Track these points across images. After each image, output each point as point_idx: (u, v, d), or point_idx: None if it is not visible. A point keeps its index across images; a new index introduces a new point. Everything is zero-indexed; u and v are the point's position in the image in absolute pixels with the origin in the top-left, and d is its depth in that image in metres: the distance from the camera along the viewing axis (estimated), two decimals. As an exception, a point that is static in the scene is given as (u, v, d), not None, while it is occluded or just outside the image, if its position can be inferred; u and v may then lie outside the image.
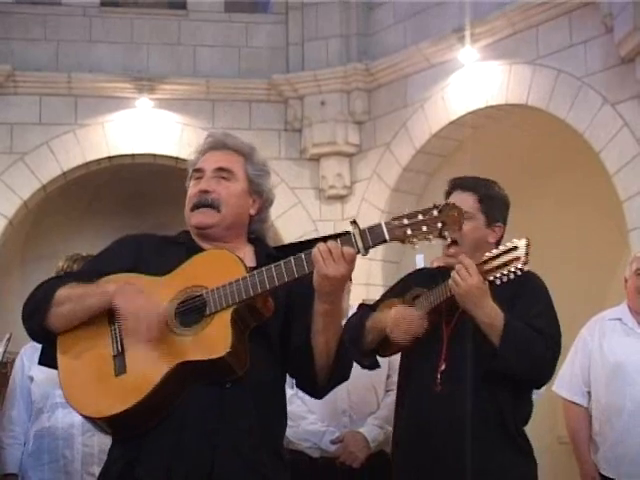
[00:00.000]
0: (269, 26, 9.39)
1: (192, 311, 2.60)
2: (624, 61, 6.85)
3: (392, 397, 4.42)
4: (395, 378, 4.47)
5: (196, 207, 2.80)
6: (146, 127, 8.97)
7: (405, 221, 2.52)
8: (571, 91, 7.28)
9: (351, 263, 2.53)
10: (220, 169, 2.83)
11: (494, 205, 3.60)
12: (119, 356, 2.59)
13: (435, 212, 2.53)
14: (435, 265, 3.95)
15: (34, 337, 2.79)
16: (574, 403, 4.69)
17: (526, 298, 3.45)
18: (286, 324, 2.72)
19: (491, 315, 3.33)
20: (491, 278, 3.29)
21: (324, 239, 2.58)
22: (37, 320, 2.68)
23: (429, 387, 3.46)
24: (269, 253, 2.81)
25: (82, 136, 8.90)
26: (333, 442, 4.19)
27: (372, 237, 2.53)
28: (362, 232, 2.54)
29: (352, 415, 4.30)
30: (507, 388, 3.43)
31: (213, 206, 2.78)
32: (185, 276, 2.66)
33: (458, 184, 3.64)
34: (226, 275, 2.60)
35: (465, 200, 3.50)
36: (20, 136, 8.80)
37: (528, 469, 3.52)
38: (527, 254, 3.24)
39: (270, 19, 9.48)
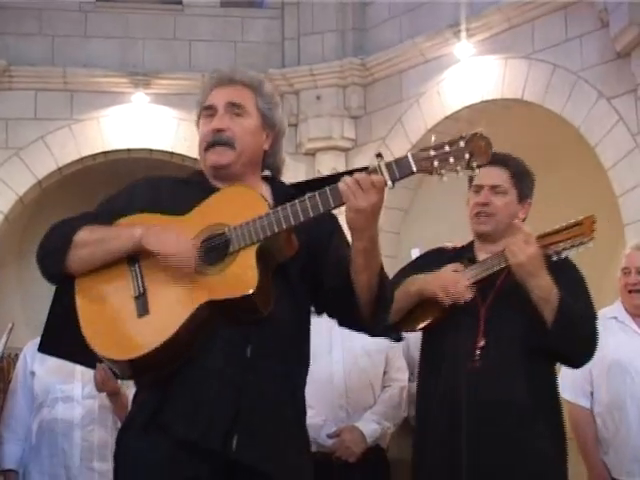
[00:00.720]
0: (265, 21, 9.38)
1: (215, 249, 2.52)
2: (620, 56, 6.86)
3: (389, 393, 4.43)
4: (391, 374, 4.48)
5: (211, 146, 2.73)
6: (142, 122, 8.96)
7: (432, 152, 2.44)
8: (567, 86, 7.29)
9: (381, 191, 2.45)
10: (232, 104, 2.75)
11: (525, 180, 3.56)
12: (141, 297, 2.52)
13: (462, 143, 2.45)
14: (451, 246, 3.84)
15: (49, 278, 2.73)
16: (578, 405, 4.66)
17: (564, 278, 3.36)
18: (309, 265, 2.65)
19: (547, 289, 3.26)
20: (550, 252, 3.24)
21: (347, 173, 2.52)
22: (55, 262, 2.62)
23: (466, 364, 3.36)
24: (286, 192, 2.72)
25: (78, 131, 8.89)
26: (330, 436, 4.19)
27: (399, 169, 2.45)
28: (388, 164, 2.45)
29: (349, 410, 4.31)
30: (547, 368, 3.41)
31: (228, 144, 2.70)
32: (206, 214, 2.59)
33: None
34: (248, 212, 2.52)
35: (499, 175, 3.50)
36: (15, 131, 8.78)
37: (562, 461, 3.47)
38: (593, 230, 3.19)
39: (266, 14, 9.47)
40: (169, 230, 2.55)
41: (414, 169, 2.44)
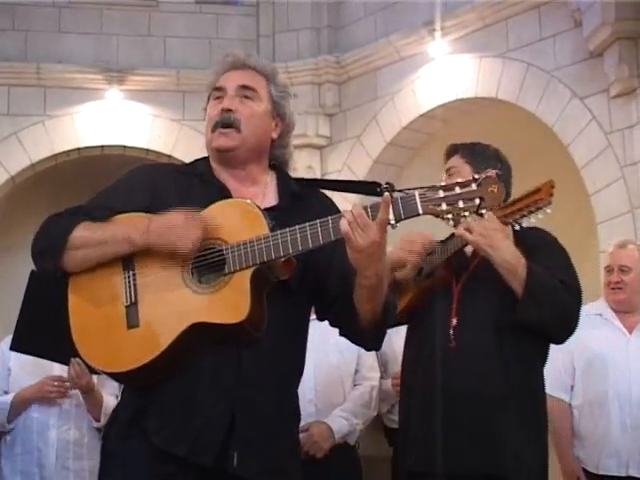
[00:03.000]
0: (240, 18, 9.37)
1: (210, 266, 2.47)
2: (593, 55, 6.90)
3: (360, 391, 4.45)
4: (363, 372, 4.50)
5: (217, 126, 2.64)
6: (116, 119, 8.93)
7: (441, 193, 2.33)
8: (540, 85, 7.33)
9: (383, 230, 2.36)
10: (244, 87, 2.68)
11: (476, 152, 3.53)
12: (132, 307, 2.48)
13: (474, 186, 2.32)
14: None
15: (45, 275, 2.65)
16: (557, 398, 4.69)
17: (541, 251, 3.34)
18: (311, 275, 2.59)
19: (512, 261, 3.21)
20: (509, 221, 3.19)
21: (353, 183, 2.44)
22: (51, 261, 2.55)
23: (443, 345, 3.33)
24: (292, 191, 2.68)
25: (51, 127, 8.85)
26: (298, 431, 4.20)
27: (405, 209, 2.34)
28: (394, 202, 2.35)
29: (318, 405, 4.31)
30: (528, 342, 3.32)
31: (234, 126, 2.63)
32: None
33: (445, 153, 3.61)
34: (247, 230, 2.45)
35: (453, 163, 3.51)
36: (-12, 127, 8.74)
37: (542, 448, 3.40)
38: (551, 195, 3.14)
39: (241, 11, 9.46)
40: (171, 227, 2.48)
41: (420, 212, 2.34)
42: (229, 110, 2.65)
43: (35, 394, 4.43)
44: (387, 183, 2.41)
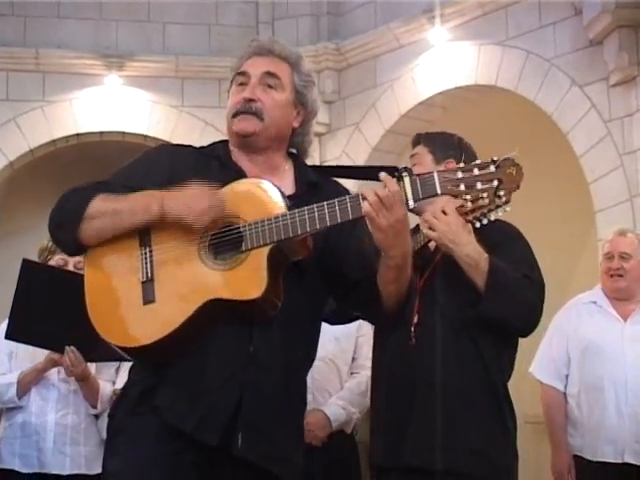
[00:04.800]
0: (239, 4, 9.33)
1: (227, 243, 2.48)
2: (592, 43, 6.88)
3: (357, 380, 4.47)
4: (360, 361, 4.52)
5: (239, 113, 2.65)
6: (115, 104, 8.90)
7: (459, 174, 2.35)
8: (540, 72, 7.31)
9: (403, 208, 2.37)
10: (268, 74, 2.68)
11: (438, 142, 3.56)
12: (148, 283, 2.48)
13: (492, 167, 2.36)
14: None
15: (63, 248, 2.69)
16: (552, 387, 4.70)
17: (504, 246, 3.35)
18: (327, 258, 2.59)
19: (474, 256, 3.22)
20: (470, 218, 3.20)
21: (370, 169, 2.45)
22: (68, 232, 2.55)
23: (405, 342, 3.35)
24: (310, 180, 2.68)
25: (50, 113, 8.82)
26: (295, 419, 4.20)
27: (423, 189, 2.37)
28: (413, 181, 2.37)
29: (315, 392, 4.33)
30: (490, 338, 3.32)
31: (256, 114, 2.63)
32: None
33: (411, 142, 3.65)
34: (265, 208, 2.47)
35: (417, 151, 3.55)
36: (-13, 112, 8.72)
37: (510, 442, 3.40)
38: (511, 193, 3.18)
39: (240, -3, 9.43)
40: (189, 193, 2.48)
41: (439, 191, 2.36)
42: (251, 100, 2.65)
43: (45, 364, 4.42)
44: (405, 167, 2.41)
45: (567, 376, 4.70)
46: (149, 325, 2.46)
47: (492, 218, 3.14)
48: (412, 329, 3.34)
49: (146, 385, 2.52)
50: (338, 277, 2.63)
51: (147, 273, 2.50)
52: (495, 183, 2.35)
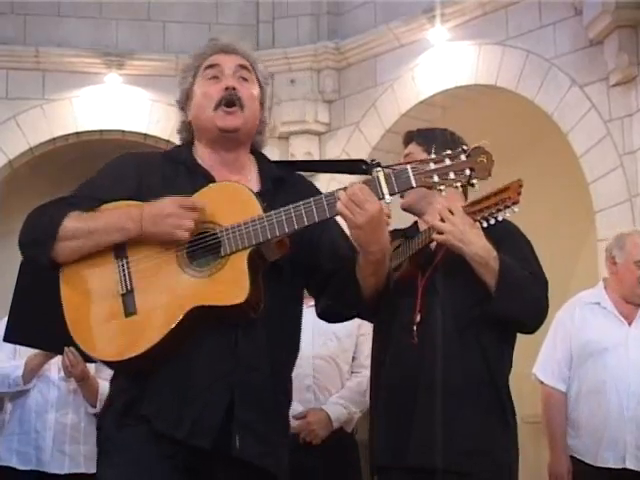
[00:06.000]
0: (239, 3, 9.33)
1: (204, 249, 2.46)
2: (592, 43, 6.89)
3: (358, 379, 4.47)
4: (361, 360, 4.51)
5: (224, 104, 2.61)
6: (115, 103, 8.90)
7: (432, 166, 2.37)
8: (540, 72, 7.31)
9: (378, 204, 2.37)
10: (241, 66, 2.67)
11: (430, 138, 3.53)
12: (128, 294, 2.46)
13: (463, 157, 2.38)
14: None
15: (36, 266, 2.64)
16: (554, 389, 4.67)
17: (508, 244, 3.34)
18: (302, 254, 2.59)
19: (484, 255, 3.20)
20: (478, 218, 3.18)
21: (339, 163, 2.44)
22: (41, 254, 2.54)
23: (407, 341, 3.33)
24: (274, 176, 2.67)
25: (50, 111, 8.82)
26: (295, 418, 4.21)
27: (398, 183, 2.39)
28: (387, 176, 2.38)
29: (316, 391, 4.33)
30: (494, 337, 3.32)
31: (239, 104, 2.61)
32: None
33: (403, 140, 3.64)
34: (240, 212, 2.45)
35: (410, 149, 3.55)
36: (-14, 111, 8.71)
37: (511, 441, 3.39)
38: (519, 194, 3.13)
39: (241, -4, 9.43)
40: (164, 215, 2.46)
41: (414, 184, 2.38)
42: (234, 88, 2.62)
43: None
44: (373, 160, 2.43)
45: (569, 377, 4.66)
46: (134, 337, 2.44)
47: (500, 218, 3.16)
48: (414, 328, 3.33)
49: (131, 395, 2.50)
50: (313, 270, 2.64)
51: (126, 285, 2.48)
52: (467, 172, 2.37)
